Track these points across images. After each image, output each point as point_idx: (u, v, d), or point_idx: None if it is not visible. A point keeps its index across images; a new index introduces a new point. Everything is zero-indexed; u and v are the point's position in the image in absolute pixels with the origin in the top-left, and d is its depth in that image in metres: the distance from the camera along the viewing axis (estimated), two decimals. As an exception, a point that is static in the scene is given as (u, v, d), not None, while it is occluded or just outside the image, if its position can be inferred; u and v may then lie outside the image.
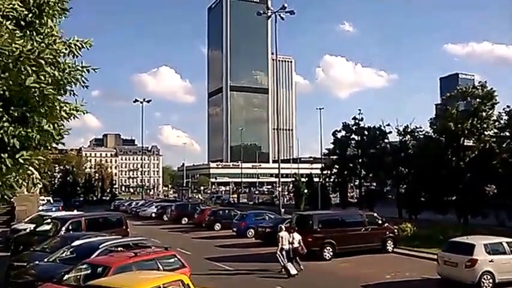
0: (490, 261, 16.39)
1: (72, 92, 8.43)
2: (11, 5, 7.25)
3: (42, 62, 7.18)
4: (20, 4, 7.39)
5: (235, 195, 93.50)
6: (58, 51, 7.78)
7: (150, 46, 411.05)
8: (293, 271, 19.35)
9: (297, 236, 20.60)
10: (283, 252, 19.89)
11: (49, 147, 8.99)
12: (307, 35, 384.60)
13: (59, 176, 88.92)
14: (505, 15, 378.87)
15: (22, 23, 7.73)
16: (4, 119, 7.13)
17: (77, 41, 8.20)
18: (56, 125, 8.00)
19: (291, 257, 20.04)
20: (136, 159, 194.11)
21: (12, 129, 7.16)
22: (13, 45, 6.83)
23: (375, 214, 27.21)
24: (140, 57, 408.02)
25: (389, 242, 24.96)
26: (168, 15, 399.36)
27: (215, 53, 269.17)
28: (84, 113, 8.50)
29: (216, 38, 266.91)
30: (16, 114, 7.30)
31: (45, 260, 15.26)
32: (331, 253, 22.79)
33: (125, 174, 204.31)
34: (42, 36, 8.03)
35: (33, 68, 7.03)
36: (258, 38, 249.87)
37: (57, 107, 7.75)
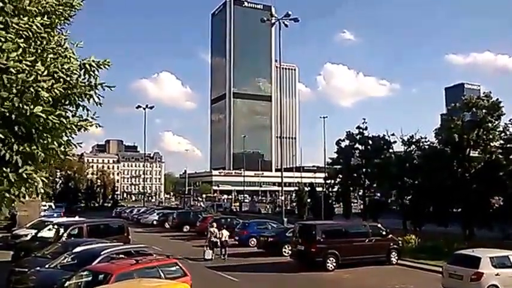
0: (496, 275, 16.19)
1: (83, 107, 8.25)
2: (27, 25, 7.10)
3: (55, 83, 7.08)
4: (38, 25, 7.22)
5: (237, 204, 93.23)
6: (71, 71, 7.65)
7: (151, 52, 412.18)
8: (208, 257, 25.40)
9: (225, 232, 26.87)
10: (208, 243, 26.17)
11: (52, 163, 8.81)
12: (308, 42, 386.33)
13: (60, 182, 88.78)
14: (505, 25, 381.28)
15: (32, 37, 7.59)
16: (8, 137, 6.97)
17: (93, 61, 8.01)
18: (61, 141, 7.83)
19: (219, 247, 26.28)
20: (139, 166, 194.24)
21: (16, 146, 7.02)
22: (24, 63, 6.70)
23: (379, 225, 26.99)
24: (140, 63, 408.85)
25: (393, 253, 24.71)
26: (168, 22, 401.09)
27: (218, 59, 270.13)
28: (96, 127, 8.37)
29: (219, 45, 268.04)
30: (20, 133, 7.14)
31: (46, 266, 15.16)
32: (335, 264, 22.55)
33: (127, 181, 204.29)
34: (53, 52, 7.88)
35: (46, 93, 6.90)
36: (262, 46, 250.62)
37: (63, 125, 7.53)
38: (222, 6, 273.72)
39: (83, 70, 7.92)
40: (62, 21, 8.49)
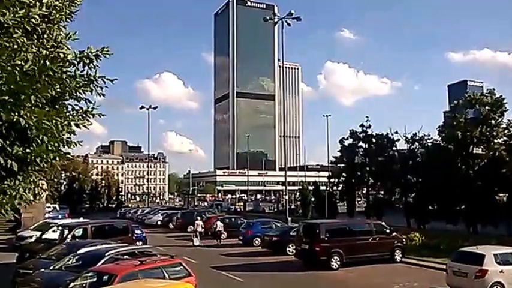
0: (500, 272, 16.16)
1: (85, 99, 8.04)
2: (27, 17, 6.96)
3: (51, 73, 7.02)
4: (36, 17, 7.08)
5: (241, 203, 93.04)
6: (65, 61, 7.48)
7: (152, 52, 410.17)
8: (196, 243, 31.52)
9: (220, 224, 32.71)
10: (196, 232, 32.29)
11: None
12: (308, 41, 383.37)
13: (65, 183, 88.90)
14: (504, 22, 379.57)
15: (28, 28, 7.48)
16: (8, 141, 6.82)
17: (90, 52, 7.61)
18: (59, 143, 7.65)
19: (216, 237, 32.14)
20: (143, 167, 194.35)
21: (10, 150, 6.81)
22: (19, 59, 6.65)
23: (383, 223, 26.96)
24: (142, 64, 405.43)
25: (397, 251, 24.67)
26: (169, 22, 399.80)
27: (221, 59, 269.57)
28: (100, 116, 8.15)
29: (223, 45, 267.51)
30: (16, 134, 6.95)
31: (51, 267, 15.20)
32: (339, 262, 22.55)
33: (131, 182, 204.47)
34: (49, 44, 7.84)
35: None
36: (265, 45, 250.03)
37: (61, 124, 7.44)
38: (225, 6, 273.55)
39: (81, 63, 7.61)
40: (64, 17, 8.35)
